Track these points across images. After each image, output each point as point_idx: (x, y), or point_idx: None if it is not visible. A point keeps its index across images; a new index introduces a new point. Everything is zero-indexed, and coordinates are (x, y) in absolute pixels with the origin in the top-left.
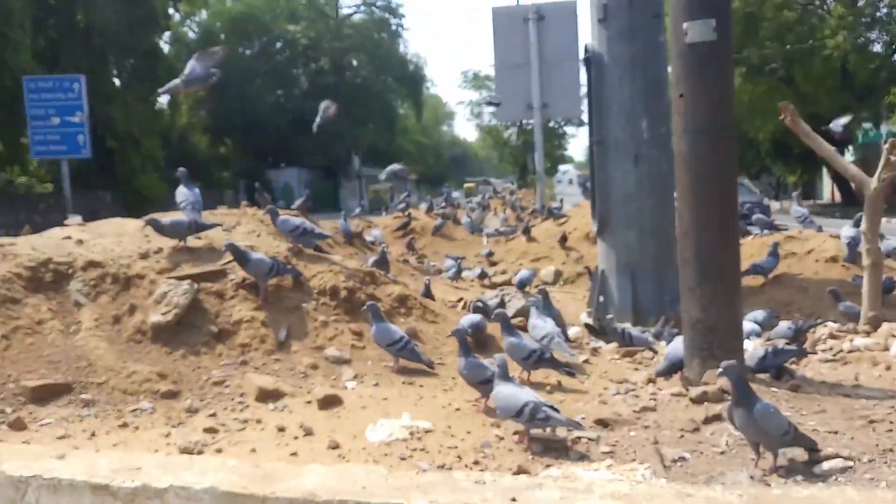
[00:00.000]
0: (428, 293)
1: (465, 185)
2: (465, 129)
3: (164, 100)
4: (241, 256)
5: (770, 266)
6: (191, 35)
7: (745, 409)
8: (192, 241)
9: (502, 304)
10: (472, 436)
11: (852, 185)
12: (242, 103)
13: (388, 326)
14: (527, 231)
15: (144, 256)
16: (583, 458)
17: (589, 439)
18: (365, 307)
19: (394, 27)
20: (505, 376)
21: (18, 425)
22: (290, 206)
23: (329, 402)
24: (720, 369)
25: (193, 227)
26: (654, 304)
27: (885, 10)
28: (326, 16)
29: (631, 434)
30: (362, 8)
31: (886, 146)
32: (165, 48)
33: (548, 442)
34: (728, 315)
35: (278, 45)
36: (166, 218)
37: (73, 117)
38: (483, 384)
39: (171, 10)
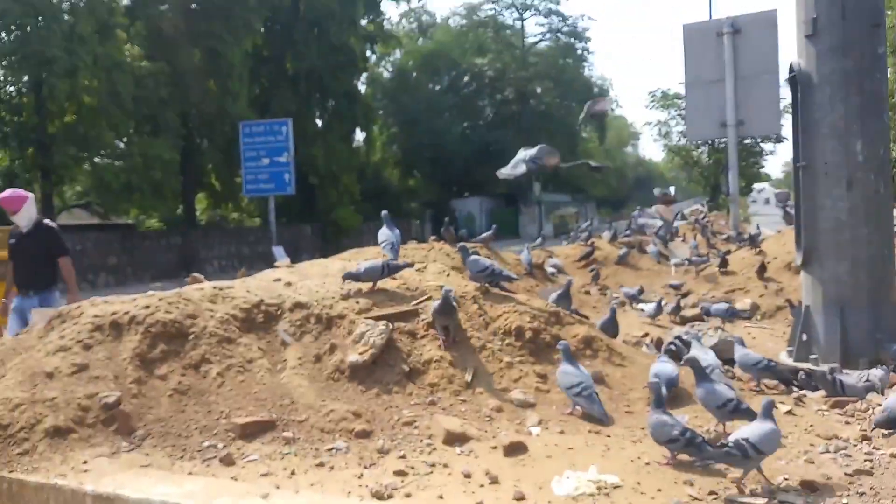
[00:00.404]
0: (612, 322)
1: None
2: (651, 150)
3: (360, 137)
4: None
5: None
6: (385, 75)
7: None
8: (388, 282)
9: (687, 343)
10: (664, 494)
11: None
12: (431, 136)
13: (569, 369)
14: (724, 263)
15: (345, 297)
16: None
17: None
18: (559, 345)
19: (579, 51)
20: (659, 404)
21: (228, 460)
22: (472, 235)
23: (514, 449)
24: None
25: (386, 271)
26: (865, 345)
27: None
28: (513, 46)
29: (843, 501)
30: (548, 35)
31: None
32: (362, 88)
33: None
34: None
35: (465, 78)
36: (361, 265)
37: (281, 157)
38: (671, 443)
39: (368, 53)
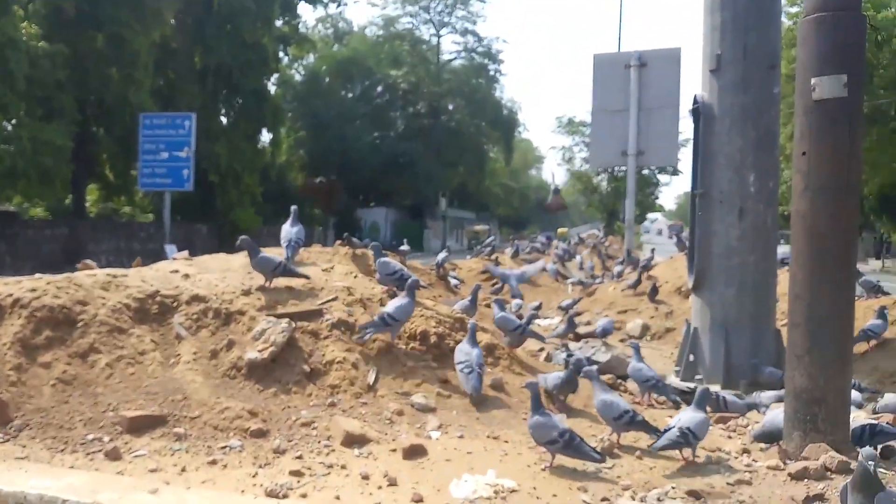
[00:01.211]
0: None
1: (560, 229)
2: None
3: (266, 138)
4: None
5: (881, 330)
6: (297, 77)
7: (867, 496)
8: (292, 281)
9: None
10: (558, 499)
11: None
12: (339, 143)
13: (463, 346)
14: (654, 292)
15: (247, 293)
16: None
17: None
18: (469, 324)
19: (491, 72)
20: (537, 406)
21: (114, 455)
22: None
23: (414, 452)
24: (860, 462)
25: (280, 270)
26: (746, 367)
27: None
28: (428, 61)
29: None
30: (463, 54)
31: None
32: (272, 89)
33: None
34: (837, 385)
35: (379, 88)
36: (263, 253)
37: (181, 152)
38: (550, 444)
39: (280, 54)
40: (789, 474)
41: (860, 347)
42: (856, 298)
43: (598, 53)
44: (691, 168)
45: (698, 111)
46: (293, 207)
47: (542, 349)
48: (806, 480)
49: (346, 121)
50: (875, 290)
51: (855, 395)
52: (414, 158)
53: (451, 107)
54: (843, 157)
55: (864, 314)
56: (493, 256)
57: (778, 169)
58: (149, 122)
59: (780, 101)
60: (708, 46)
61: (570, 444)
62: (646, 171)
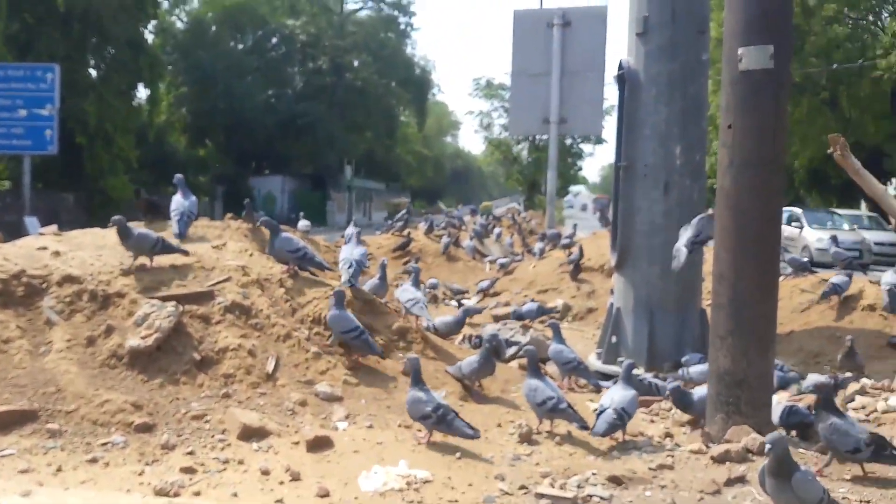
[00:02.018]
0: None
1: (484, 203)
2: (472, 142)
3: (143, 94)
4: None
5: (847, 286)
6: (179, 25)
7: (783, 475)
8: (178, 259)
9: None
10: (474, 489)
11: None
12: (228, 101)
13: (345, 314)
14: (577, 270)
15: (126, 273)
16: None
17: (600, 498)
18: (334, 293)
19: (402, 26)
20: (417, 381)
21: None
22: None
23: (318, 445)
24: (768, 445)
25: (160, 246)
26: (671, 349)
27: None
28: (330, 11)
29: (646, 494)
30: (370, 4)
31: None
32: (149, 38)
33: (556, 499)
34: (759, 368)
35: (274, 40)
36: (137, 229)
37: (43, 110)
38: (424, 419)
39: None
40: (711, 457)
41: (783, 328)
42: (784, 277)
43: (519, 10)
44: (615, 139)
45: (623, 78)
46: (179, 177)
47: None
48: (728, 463)
49: (235, 76)
50: (803, 268)
51: (781, 374)
52: (315, 120)
53: (356, 63)
54: (769, 131)
55: (791, 293)
56: (406, 232)
57: (706, 141)
58: (2, 73)
59: (709, 68)
60: (635, 8)
61: (443, 419)
62: (569, 141)
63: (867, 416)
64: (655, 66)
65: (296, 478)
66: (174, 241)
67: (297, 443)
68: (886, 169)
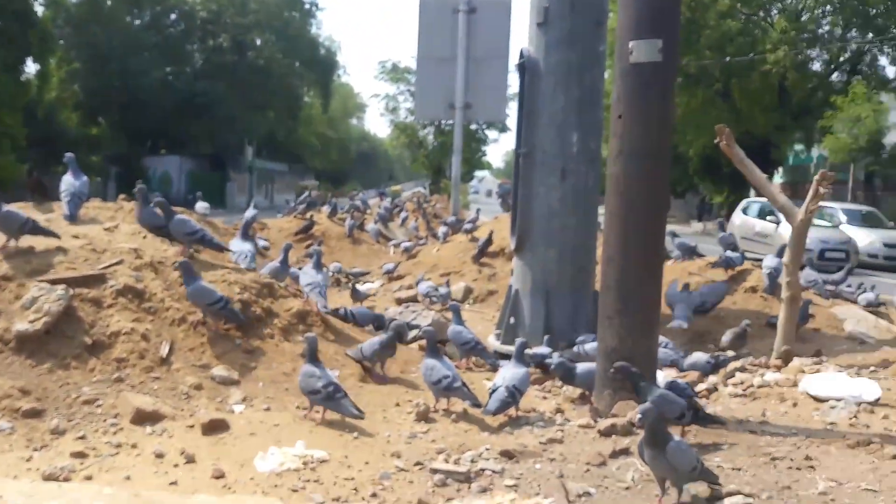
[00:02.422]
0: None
1: (393, 186)
2: (378, 125)
3: (31, 69)
4: None
5: (740, 262)
6: None
7: (658, 446)
8: (68, 241)
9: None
10: (371, 466)
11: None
12: (123, 78)
13: (204, 286)
14: (480, 254)
15: (11, 256)
16: (485, 490)
17: (492, 471)
18: (176, 265)
19: (307, 5)
20: (313, 359)
21: None
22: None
23: (214, 427)
24: (638, 414)
25: (29, 226)
26: (567, 329)
27: (826, 28)
28: None
29: (536, 467)
30: None
31: (817, 177)
32: (39, 10)
33: (450, 474)
34: (644, 346)
35: (172, 16)
36: (6, 207)
37: None
38: (312, 394)
39: None
40: (598, 431)
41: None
42: (671, 260)
43: None
44: (516, 126)
45: (524, 66)
46: (69, 156)
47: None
48: (613, 436)
49: (131, 52)
50: (690, 252)
51: (668, 353)
52: (214, 100)
53: (258, 42)
54: (656, 122)
55: (680, 276)
56: (308, 215)
57: (601, 129)
58: None
59: (605, 59)
60: None
61: (331, 396)
62: (474, 126)
63: (744, 390)
64: (555, 56)
65: (191, 460)
66: (63, 224)
67: (192, 426)
68: (774, 158)
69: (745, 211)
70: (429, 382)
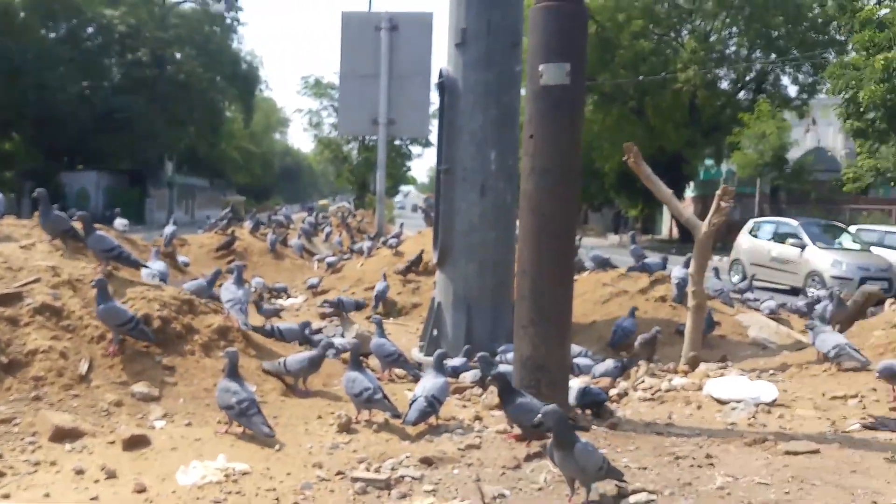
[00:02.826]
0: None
1: (321, 201)
2: (302, 140)
3: None
4: None
5: (657, 268)
6: None
7: (566, 448)
8: None
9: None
10: (292, 477)
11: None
12: (38, 92)
13: (116, 306)
14: (408, 269)
15: None
16: (405, 496)
17: (412, 478)
18: (96, 282)
19: (228, 21)
20: (233, 374)
21: None
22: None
23: (135, 443)
24: (539, 416)
25: None
26: (488, 340)
27: (733, 49)
28: (151, 2)
29: (454, 472)
30: None
31: (718, 192)
32: None
33: (370, 482)
34: (558, 354)
35: (90, 29)
36: None
37: None
38: (227, 409)
39: None
40: (514, 436)
41: (587, 318)
42: (587, 272)
43: (347, 11)
44: (437, 143)
45: (443, 85)
46: None
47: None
48: (529, 441)
49: (46, 66)
50: (604, 264)
51: (586, 360)
52: (133, 114)
53: (179, 56)
54: (566, 141)
55: (595, 287)
56: (230, 231)
57: (518, 147)
58: None
59: (521, 79)
60: (453, 19)
61: (243, 412)
62: (398, 142)
63: (653, 394)
64: (473, 76)
65: (112, 476)
66: None
67: (112, 442)
68: (685, 173)
69: (753, 233)
70: (351, 394)
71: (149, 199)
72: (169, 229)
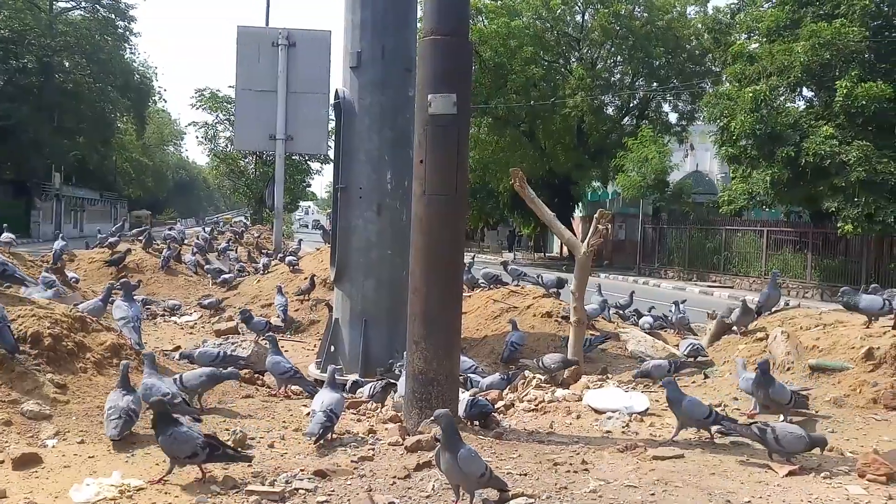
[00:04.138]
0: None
1: (226, 215)
2: (197, 153)
3: None
4: None
5: (553, 285)
6: None
7: (451, 454)
8: None
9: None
10: (188, 492)
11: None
12: None
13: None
14: (311, 287)
15: None
16: None
17: (305, 490)
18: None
19: (121, 30)
20: (125, 384)
21: None
22: None
23: (25, 462)
24: (432, 416)
25: None
26: (383, 356)
27: (618, 76)
28: (37, 7)
29: (348, 483)
30: (84, 5)
31: (596, 216)
32: None
33: (265, 495)
34: (447, 367)
35: None
36: None
37: None
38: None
39: None
40: (406, 448)
41: (480, 333)
42: (479, 289)
43: (243, 26)
44: (334, 162)
45: (340, 106)
46: None
47: (177, 347)
48: (419, 452)
49: None
50: (495, 281)
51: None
52: (18, 123)
53: (67, 64)
54: (453, 166)
55: (486, 303)
56: (121, 247)
57: (412, 167)
58: None
59: (414, 103)
60: (349, 42)
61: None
62: (296, 157)
63: (536, 406)
64: (368, 98)
65: (2, 495)
66: None
67: (1, 461)
68: (574, 194)
69: None
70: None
71: (35, 211)
72: (58, 244)
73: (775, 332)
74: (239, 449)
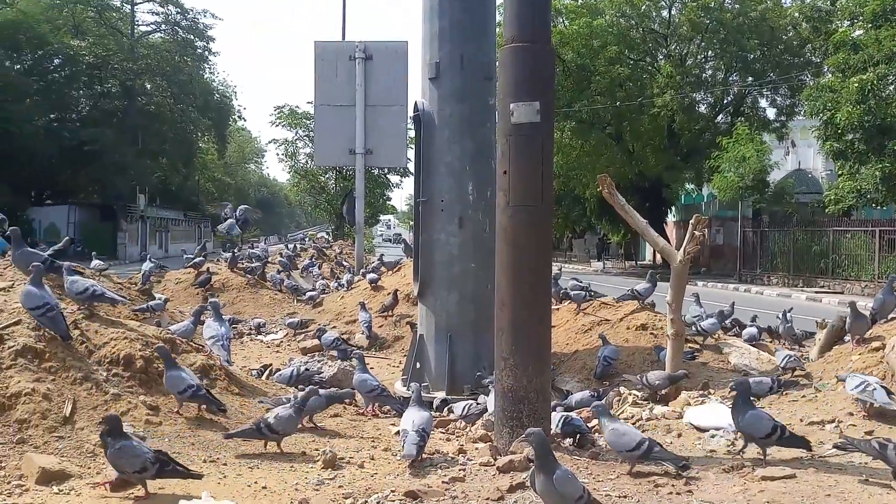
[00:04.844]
0: None
1: (310, 232)
2: (277, 170)
3: None
4: None
5: (648, 293)
6: None
7: (546, 475)
8: None
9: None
10: None
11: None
12: (4, 125)
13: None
14: (393, 303)
15: None
16: None
17: None
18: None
19: (200, 51)
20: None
21: None
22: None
23: (122, 485)
24: (523, 437)
25: None
26: (469, 371)
27: (709, 72)
28: (119, 33)
29: None
30: (164, 27)
31: (692, 221)
32: None
33: None
34: (538, 384)
35: (57, 60)
36: None
37: None
38: (181, 393)
39: None
40: (498, 468)
41: (570, 347)
42: (569, 301)
43: (320, 41)
44: (414, 174)
45: (419, 118)
46: None
47: (267, 366)
48: (512, 472)
49: (11, 98)
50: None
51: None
52: (103, 147)
53: (148, 87)
54: (538, 176)
55: (577, 317)
56: (206, 268)
57: (494, 179)
58: None
59: (496, 112)
60: (427, 53)
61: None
62: (376, 171)
63: (634, 424)
64: (448, 109)
65: None
66: None
67: (98, 483)
68: (666, 197)
69: None
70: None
71: (121, 233)
72: (146, 266)
73: (893, 341)
74: (189, 467)
